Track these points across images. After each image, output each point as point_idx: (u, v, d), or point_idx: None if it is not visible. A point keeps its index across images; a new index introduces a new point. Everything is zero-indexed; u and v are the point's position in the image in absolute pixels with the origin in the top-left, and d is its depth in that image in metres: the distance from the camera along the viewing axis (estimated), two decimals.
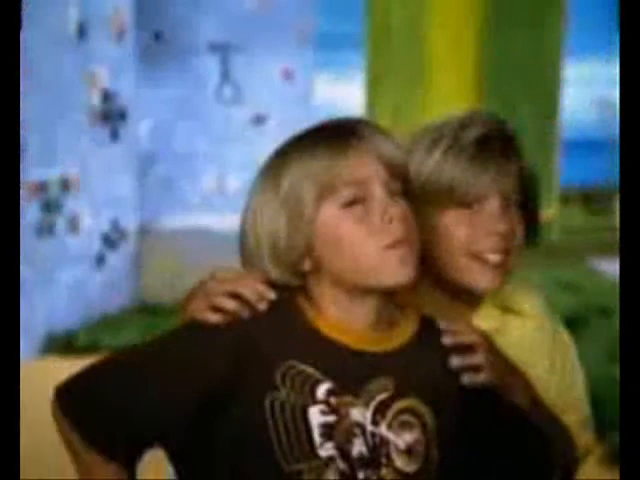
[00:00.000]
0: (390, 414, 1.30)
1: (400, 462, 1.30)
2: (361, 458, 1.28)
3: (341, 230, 1.28)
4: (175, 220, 7.01)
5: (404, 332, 1.35)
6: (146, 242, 6.72)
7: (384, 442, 1.29)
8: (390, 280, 1.28)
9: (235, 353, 1.27)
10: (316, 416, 1.27)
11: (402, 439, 1.30)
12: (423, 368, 1.33)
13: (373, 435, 1.29)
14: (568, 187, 9.83)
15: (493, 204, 1.44)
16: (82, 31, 5.95)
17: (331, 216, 1.28)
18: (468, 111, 1.52)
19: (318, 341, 1.29)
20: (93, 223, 6.18)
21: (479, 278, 1.45)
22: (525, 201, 1.48)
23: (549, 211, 8.13)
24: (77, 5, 5.87)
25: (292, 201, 1.28)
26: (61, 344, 5.59)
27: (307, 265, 1.30)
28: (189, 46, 7.35)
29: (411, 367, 1.32)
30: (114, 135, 6.36)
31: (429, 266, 1.42)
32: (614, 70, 9.00)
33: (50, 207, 5.72)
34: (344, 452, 1.27)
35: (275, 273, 1.31)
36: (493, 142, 1.46)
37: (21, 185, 5.17)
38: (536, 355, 1.52)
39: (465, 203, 1.44)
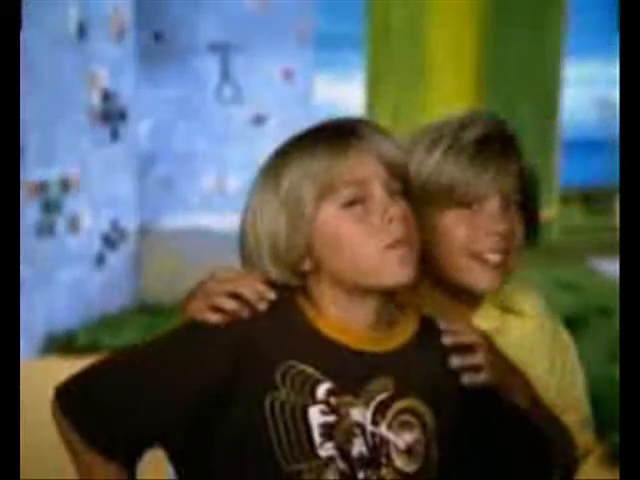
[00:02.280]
0: (390, 414, 1.30)
1: (400, 462, 1.30)
2: (361, 458, 1.28)
3: (341, 230, 1.28)
4: (175, 220, 7.00)
5: (404, 332, 1.35)
6: (146, 242, 6.72)
7: (384, 442, 1.29)
8: (390, 280, 1.28)
9: (235, 353, 1.27)
10: (316, 416, 1.27)
11: (402, 439, 1.30)
12: (423, 368, 1.33)
13: (373, 435, 1.29)
14: (568, 187, 9.82)
15: (493, 204, 1.44)
16: (82, 31, 5.94)
17: (331, 216, 1.28)
18: (468, 111, 1.52)
19: (318, 341, 1.29)
20: (93, 223, 6.17)
21: (479, 278, 1.45)
22: (525, 201, 1.48)
23: (549, 211, 8.13)
24: (77, 5, 5.87)
25: (292, 201, 1.28)
26: (61, 344, 5.59)
27: (307, 265, 1.30)
28: (189, 46, 7.34)
29: (411, 367, 1.32)
30: (114, 135, 6.36)
31: (429, 266, 1.42)
32: (614, 70, 8.99)
33: (50, 207, 5.71)
34: (344, 452, 1.27)
35: (275, 273, 1.31)
36: (493, 142, 1.46)
37: (21, 185, 5.17)
38: (536, 355, 1.52)
39: (465, 203, 1.44)
